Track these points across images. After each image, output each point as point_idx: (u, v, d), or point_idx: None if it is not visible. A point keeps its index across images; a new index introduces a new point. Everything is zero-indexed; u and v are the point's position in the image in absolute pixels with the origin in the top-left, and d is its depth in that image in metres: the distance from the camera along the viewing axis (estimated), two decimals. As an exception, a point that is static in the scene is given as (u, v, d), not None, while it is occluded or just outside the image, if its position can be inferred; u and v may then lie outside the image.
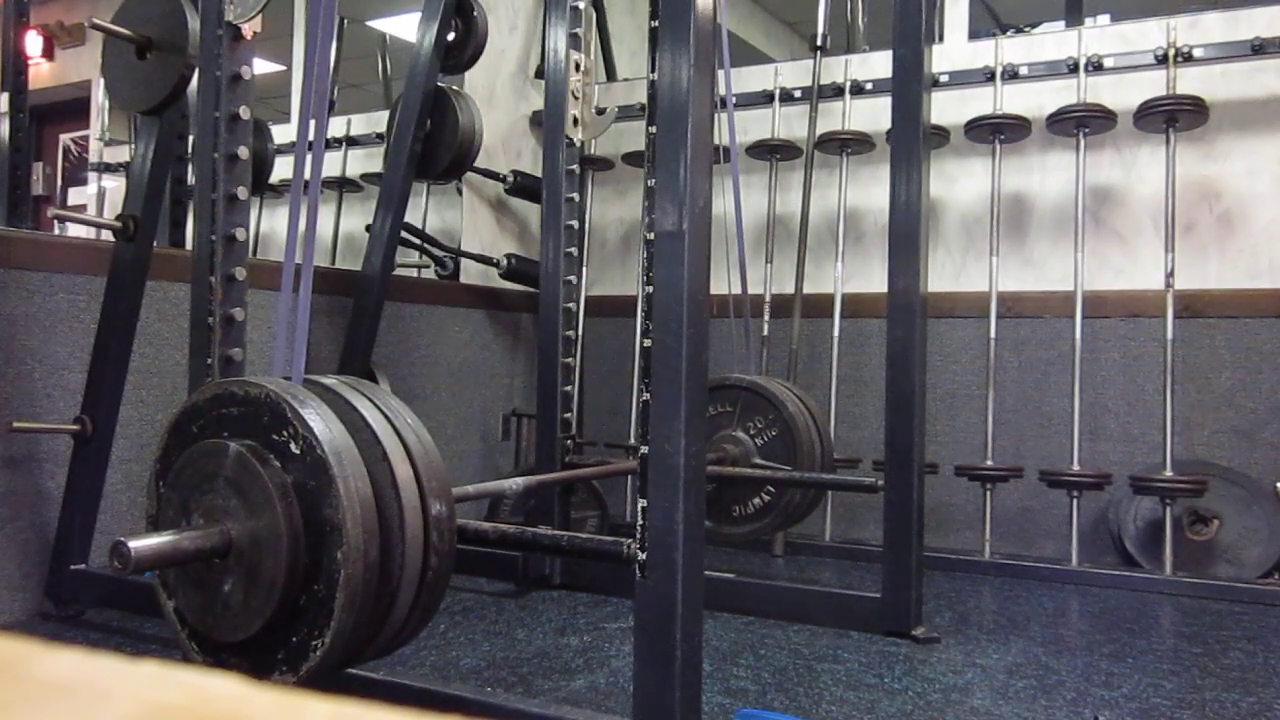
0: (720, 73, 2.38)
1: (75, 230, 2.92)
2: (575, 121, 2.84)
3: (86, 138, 4.55)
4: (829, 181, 3.40)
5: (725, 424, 2.54)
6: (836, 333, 3.26)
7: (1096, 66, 3.03)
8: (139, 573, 1.28)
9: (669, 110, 1.32)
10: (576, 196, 2.86)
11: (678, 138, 1.31)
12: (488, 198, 3.54)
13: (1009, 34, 3.55)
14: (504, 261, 3.37)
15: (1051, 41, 3.20)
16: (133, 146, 2.65)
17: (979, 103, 3.19)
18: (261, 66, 2.17)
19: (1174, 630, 2.33)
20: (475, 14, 2.86)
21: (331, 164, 3.67)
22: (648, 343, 1.32)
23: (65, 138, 4.82)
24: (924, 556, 2.21)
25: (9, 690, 0.26)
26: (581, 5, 2.78)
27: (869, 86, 3.35)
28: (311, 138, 1.48)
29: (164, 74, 2.02)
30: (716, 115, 2.23)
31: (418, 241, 3.26)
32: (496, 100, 3.46)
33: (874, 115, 3.29)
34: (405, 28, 3.86)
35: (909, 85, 2.20)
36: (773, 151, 3.43)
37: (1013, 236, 3.20)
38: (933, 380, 3.09)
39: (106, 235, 2.24)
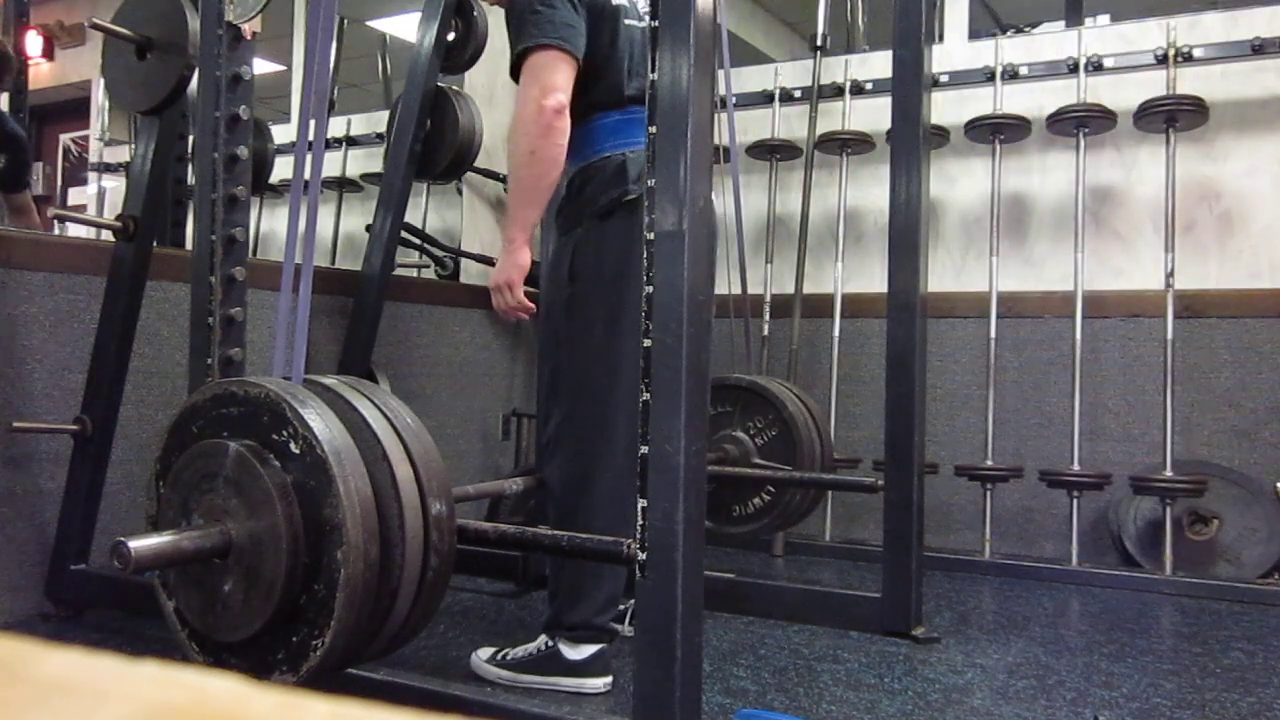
0: (720, 73, 2.38)
1: (75, 230, 2.92)
2: (575, 121, 2.83)
3: (86, 138, 4.55)
4: (829, 181, 3.40)
5: (725, 424, 2.53)
6: (836, 333, 3.26)
7: (1096, 66, 3.03)
8: (139, 573, 1.28)
9: (669, 110, 1.32)
10: (576, 196, 2.85)
11: (678, 138, 1.31)
12: (488, 198, 3.54)
13: (1009, 34, 3.55)
14: (504, 261, 3.36)
15: (1051, 41, 3.20)
16: (133, 146, 2.65)
17: (979, 103, 3.18)
18: (261, 66, 2.17)
19: (1174, 630, 2.33)
20: (475, 14, 2.86)
21: (331, 164, 3.67)
22: (648, 343, 1.32)
23: (65, 138, 4.82)
24: (924, 556, 2.21)
25: (9, 690, 0.26)
26: (581, 5, 2.77)
27: (869, 86, 3.35)
28: (311, 138, 1.48)
29: (164, 74, 2.02)
30: (716, 115, 2.22)
31: (418, 241, 3.26)
32: (496, 100, 3.46)
33: (874, 115, 3.29)
34: (405, 28, 3.86)
35: (909, 85, 2.20)
36: (773, 151, 3.43)
37: (1013, 236, 3.20)
38: (933, 380, 3.09)
39: (106, 235, 2.24)
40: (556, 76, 1.74)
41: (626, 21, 1.88)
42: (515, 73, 1.79)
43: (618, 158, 1.84)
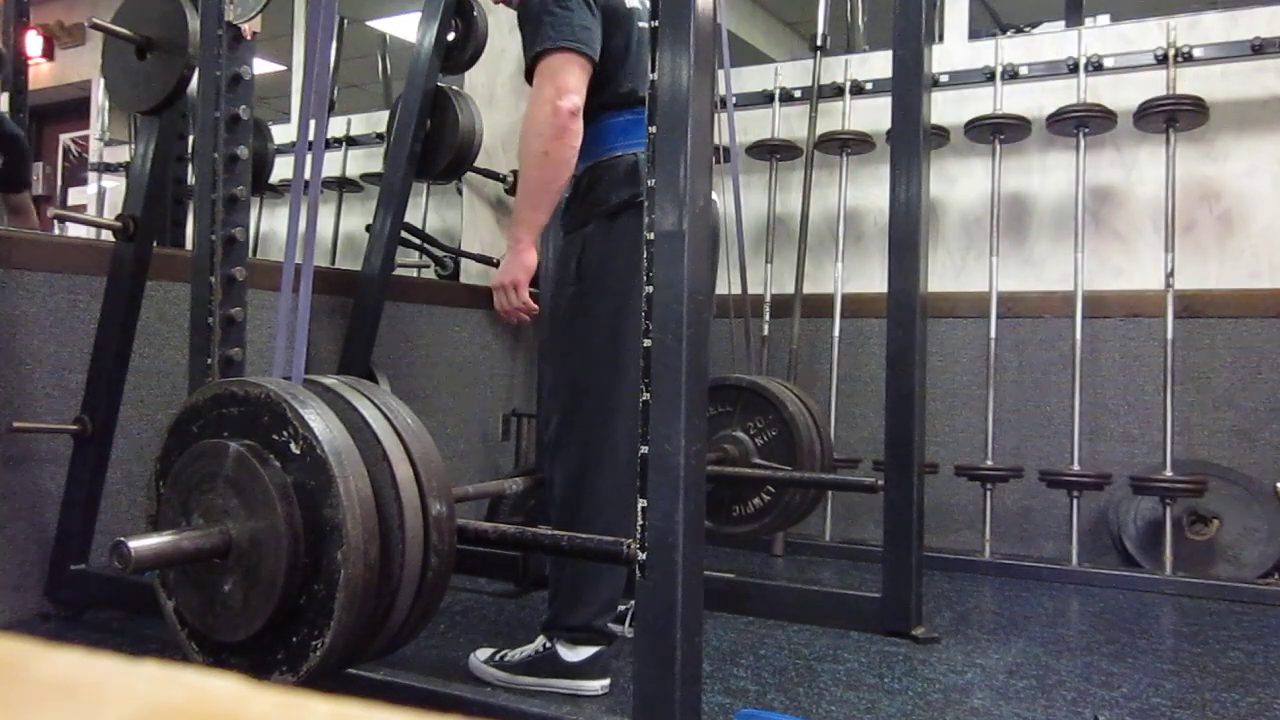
0: (720, 73, 2.38)
1: (75, 230, 2.92)
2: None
3: (86, 138, 4.55)
4: (829, 181, 3.40)
5: (725, 424, 2.53)
6: (836, 333, 3.26)
7: (1096, 66, 3.03)
8: (139, 573, 1.28)
9: (669, 110, 1.32)
10: (576, 196, 2.85)
11: (678, 138, 1.31)
12: (488, 198, 3.54)
13: (1009, 34, 3.55)
14: (504, 261, 3.36)
15: (1051, 41, 3.20)
16: (133, 146, 2.65)
17: (979, 103, 3.18)
18: (261, 66, 2.17)
19: (1174, 630, 2.33)
20: (475, 14, 2.86)
21: (331, 164, 3.67)
22: (648, 343, 1.32)
23: (65, 138, 4.82)
24: (924, 556, 2.21)
25: (9, 690, 0.26)
26: (581, 5, 2.76)
27: (869, 86, 3.35)
28: (311, 138, 1.48)
29: (164, 74, 2.02)
30: (716, 115, 2.22)
31: (418, 241, 3.26)
32: (496, 100, 3.46)
33: (874, 115, 3.29)
34: (405, 28, 3.86)
35: (909, 85, 2.20)
36: (773, 151, 3.43)
37: (1013, 236, 3.20)
38: (933, 380, 3.09)
39: (106, 235, 2.24)
40: (571, 78, 1.73)
41: (640, 24, 1.88)
42: (530, 75, 1.78)
43: (629, 158, 1.82)
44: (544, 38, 1.74)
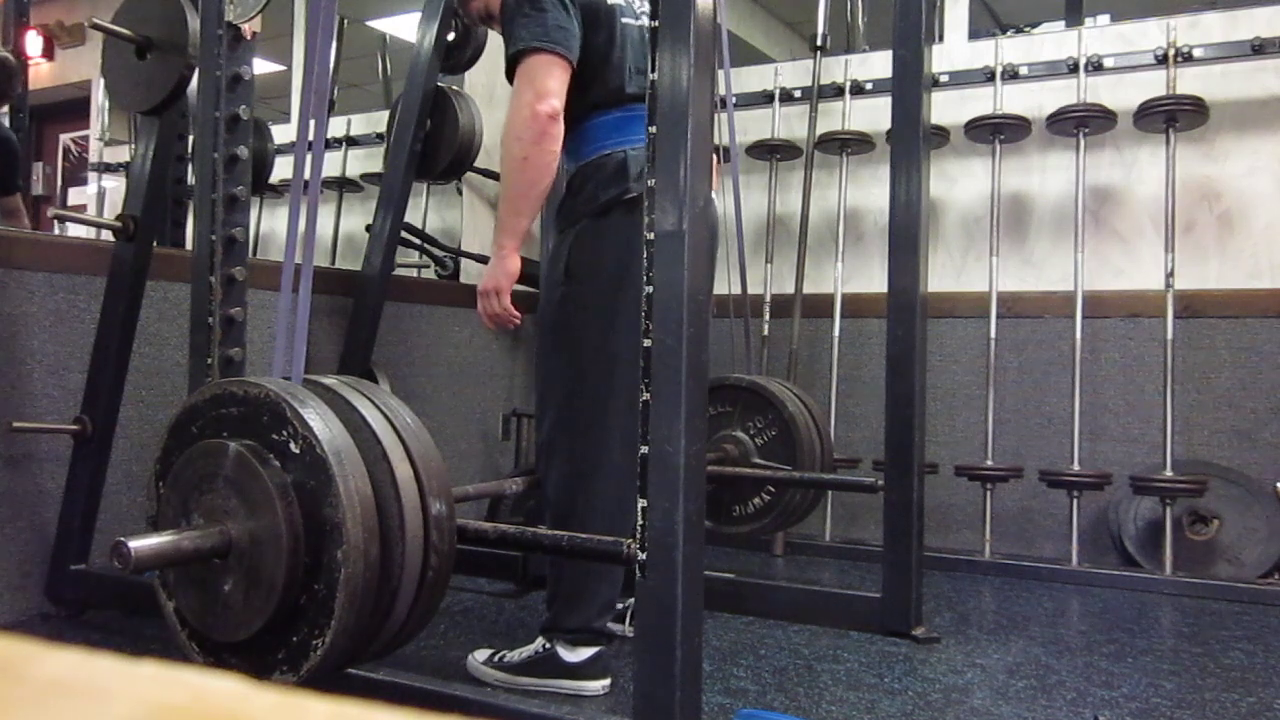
0: (720, 73, 2.38)
1: (75, 230, 2.92)
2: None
3: (86, 138, 4.55)
4: (829, 181, 3.40)
5: (725, 424, 2.53)
6: (836, 333, 3.26)
7: (1096, 66, 3.03)
8: (139, 573, 1.28)
9: (669, 110, 1.32)
10: (576, 196, 2.85)
11: (678, 138, 1.31)
12: (488, 198, 3.53)
13: (1009, 34, 3.55)
14: (504, 261, 3.35)
15: (1051, 41, 3.20)
16: (133, 146, 2.65)
17: (979, 103, 3.18)
18: (261, 66, 2.17)
19: (1174, 630, 2.33)
20: (475, 14, 2.86)
21: (331, 164, 3.67)
22: (648, 343, 1.32)
23: (65, 138, 4.83)
24: (924, 556, 2.21)
25: (9, 690, 0.26)
26: (581, 5, 2.76)
27: (869, 86, 3.35)
28: (311, 138, 1.48)
29: (164, 74, 2.02)
30: (716, 115, 2.22)
31: (418, 241, 3.26)
32: (496, 100, 3.46)
33: (874, 115, 3.29)
34: (405, 28, 3.86)
35: (909, 85, 2.19)
36: (773, 151, 3.43)
37: (1013, 236, 3.20)
38: (933, 380, 3.09)
39: (106, 235, 2.24)
40: (550, 81, 1.72)
41: (624, 20, 1.87)
42: (510, 76, 1.78)
43: (618, 155, 1.82)
44: (519, 38, 1.73)
